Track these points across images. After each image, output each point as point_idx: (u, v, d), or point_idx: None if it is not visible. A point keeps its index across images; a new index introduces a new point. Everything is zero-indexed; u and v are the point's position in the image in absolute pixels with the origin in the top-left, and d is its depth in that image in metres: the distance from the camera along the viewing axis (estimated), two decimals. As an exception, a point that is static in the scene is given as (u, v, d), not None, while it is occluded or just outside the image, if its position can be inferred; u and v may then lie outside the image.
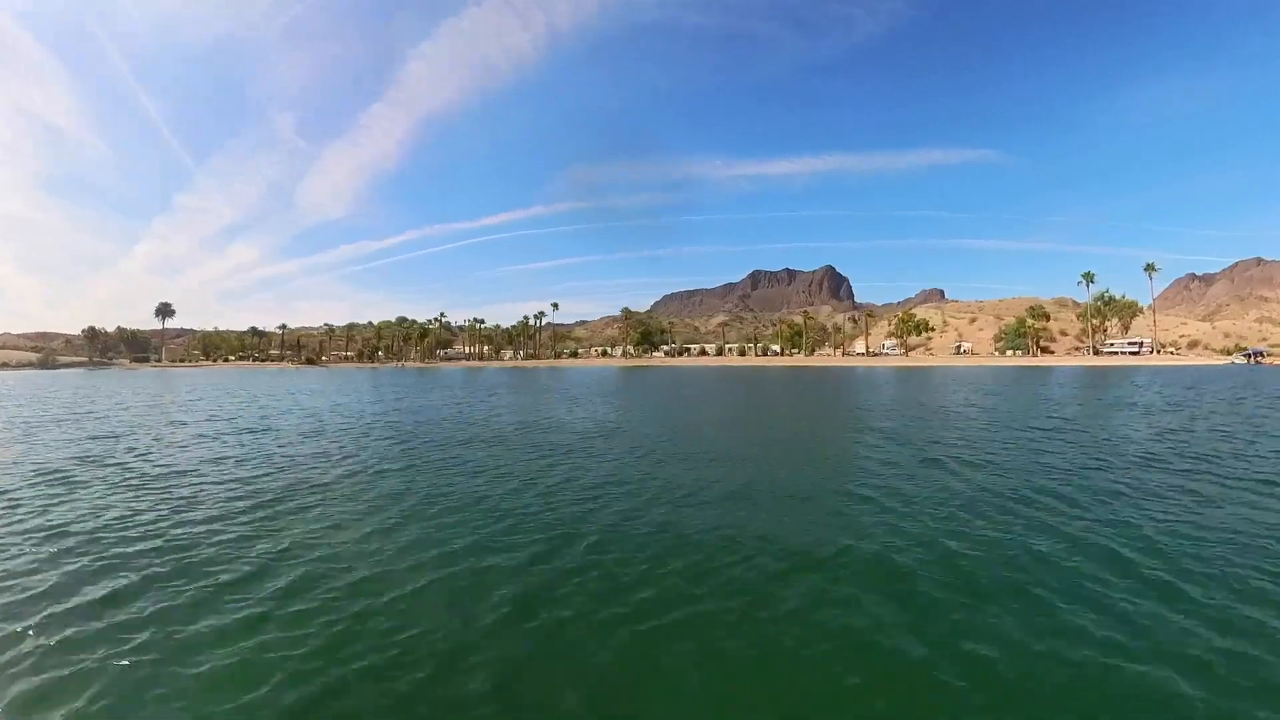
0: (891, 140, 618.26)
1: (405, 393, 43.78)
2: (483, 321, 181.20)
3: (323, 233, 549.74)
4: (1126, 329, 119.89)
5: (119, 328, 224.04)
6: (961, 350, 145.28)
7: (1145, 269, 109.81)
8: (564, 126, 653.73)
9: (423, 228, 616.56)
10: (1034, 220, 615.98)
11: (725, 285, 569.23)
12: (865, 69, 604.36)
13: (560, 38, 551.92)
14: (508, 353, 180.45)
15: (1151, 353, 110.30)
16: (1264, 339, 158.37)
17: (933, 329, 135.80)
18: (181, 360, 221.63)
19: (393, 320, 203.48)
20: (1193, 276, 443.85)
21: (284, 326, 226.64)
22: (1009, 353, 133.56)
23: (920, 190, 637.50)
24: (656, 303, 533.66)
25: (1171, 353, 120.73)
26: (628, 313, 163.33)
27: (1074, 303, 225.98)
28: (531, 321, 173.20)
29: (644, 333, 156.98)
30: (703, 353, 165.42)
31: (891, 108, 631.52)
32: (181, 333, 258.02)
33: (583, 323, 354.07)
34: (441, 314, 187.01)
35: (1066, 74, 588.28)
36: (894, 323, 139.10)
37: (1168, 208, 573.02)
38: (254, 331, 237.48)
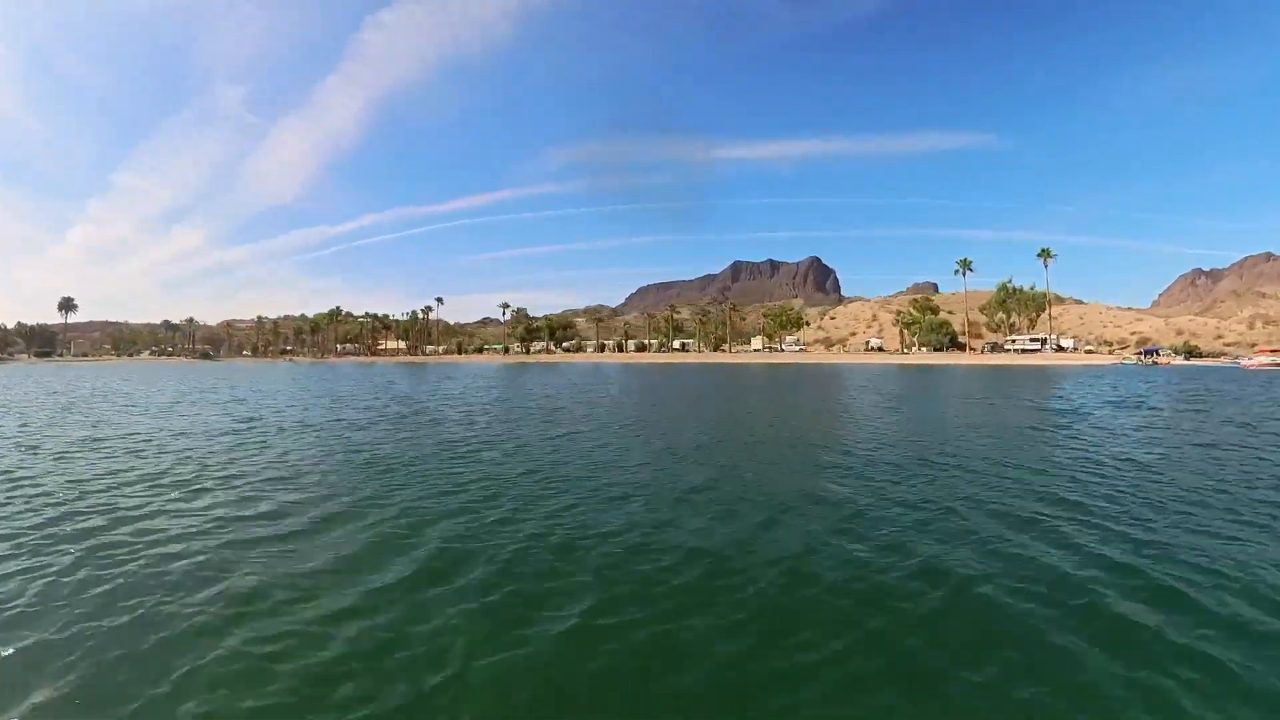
0: (885, 123, 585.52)
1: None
2: (377, 315, 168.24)
3: (274, 217, 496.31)
4: (1032, 324, 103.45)
5: (19, 323, 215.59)
6: (871, 346, 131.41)
7: (1040, 255, 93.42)
8: (535, 105, 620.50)
9: (382, 211, 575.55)
10: (1034, 211, 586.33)
11: (704, 277, 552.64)
12: (859, 46, 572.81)
13: (531, 6, 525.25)
14: (393, 344, 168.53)
15: (1054, 350, 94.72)
16: (1219, 336, 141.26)
17: (806, 323, 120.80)
18: (84, 355, 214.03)
19: (324, 312, 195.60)
20: (1199, 272, 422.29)
21: (190, 320, 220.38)
22: (919, 349, 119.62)
23: (915, 177, 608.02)
24: (631, 295, 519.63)
25: (1089, 350, 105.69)
26: (516, 311, 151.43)
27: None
28: (421, 315, 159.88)
29: (528, 329, 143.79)
30: (601, 349, 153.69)
31: (886, 88, 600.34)
32: (93, 326, 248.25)
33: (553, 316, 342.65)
34: (338, 308, 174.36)
35: (1074, 55, 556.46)
36: (762, 318, 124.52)
37: (1176, 200, 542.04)
38: (166, 325, 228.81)
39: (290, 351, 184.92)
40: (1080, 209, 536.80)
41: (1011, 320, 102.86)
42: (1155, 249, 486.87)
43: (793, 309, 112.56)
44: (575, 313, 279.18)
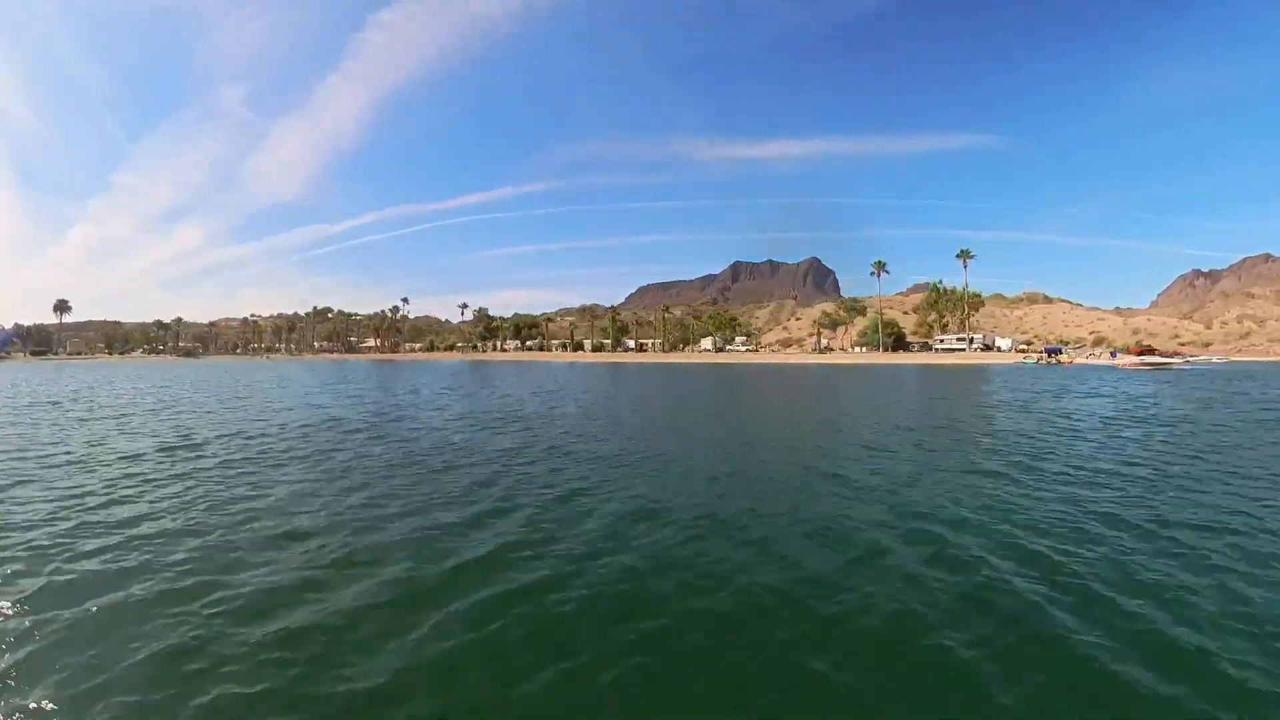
0: (885, 123, 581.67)
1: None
2: (353, 314, 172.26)
3: (275, 216, 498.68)
4: (962, 324, 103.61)
5: (15, 324, 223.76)
6: (820, 347, 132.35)
7: (959, 255, 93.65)
8: (536, 103, 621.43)
9: (383, 210, 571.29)
10: (1037, 211, 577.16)
11: (705, 277, 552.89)
12: (859, 46, 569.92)
13: (533, 6, 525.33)
14: (373, 341, 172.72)
15: (981, 349, 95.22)
16: (1175, 336, 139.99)
17: (738, 324, 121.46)
18: (78, 354, 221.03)
19: (311, 311, 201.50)
20: (1197, 273, 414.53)
21: (179, 319, 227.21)
22: (860, 349, 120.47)
23: (915, 177, 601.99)
24: (631, 295, 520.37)
25: (1022, 349, 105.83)
26: (476, 311, 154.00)
27: (1003, 297, 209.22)
28: (389, 314, 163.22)
29: (487, 328, 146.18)
30: (563, 348, 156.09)
31: (887, 88, 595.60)
32: (90, 326, 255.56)
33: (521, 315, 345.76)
34: (315, 307, 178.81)
35: (1076, 56, 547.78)
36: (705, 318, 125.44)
37: (1176, 201, 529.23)
38: (158, 324, 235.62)
39: (268, 349, 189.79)
40: (1081, 210, 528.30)
41: (945, 321, 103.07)
42: (1156, 250, 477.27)
43: (784, 308, 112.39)
44: (569, 311, 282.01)
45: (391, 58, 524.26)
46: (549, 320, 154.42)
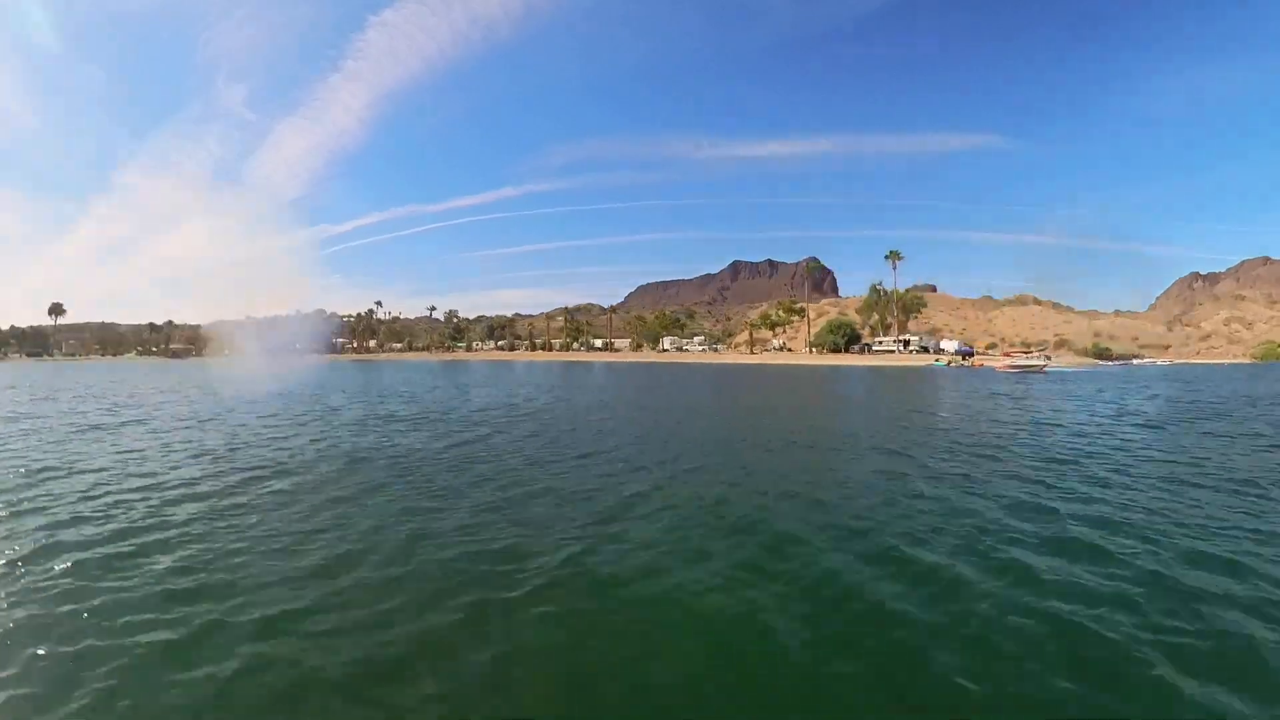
0: (885, 123, 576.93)
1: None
2: (330, 315, 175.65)
3: (276, 215, 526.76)
4: (903, 326, 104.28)
5: (12, 325, 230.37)
6: (779, 348, 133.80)
7: (887, 257, 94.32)
8: (537, 103, 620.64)
9: (385, 209, 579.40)
10: (1037, 212, 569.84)
11: (704, 276, 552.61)
12: (859, 46, 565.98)
13: (534, 5, 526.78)
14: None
15: (917, 351, 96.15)
16: (1135, 339, 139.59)
17: (683, 325, 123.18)
18: (73, 355, 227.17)
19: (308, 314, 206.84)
20: (1196, 275, 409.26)
21: (169, 321, 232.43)
22: (811, 350, 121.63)
23: (915, 177, 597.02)
24: (631, 294, 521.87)
25: (940, 352, 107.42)
26: (447, 313, 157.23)
27: (992, 299, 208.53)
28: (364, 315, 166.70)
29: (456, 328, 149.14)
30: (531, 347, 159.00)
31: (887, 88, 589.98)
32: (87, 328, 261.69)
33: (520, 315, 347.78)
34: (313, 308, 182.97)
35: (1077, 57, 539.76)
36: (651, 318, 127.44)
37: (1177, 203, 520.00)
38: (150, 327, 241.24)
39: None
40: (1082, 211, 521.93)
41: (888, 322, 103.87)
42: (1156, 252, 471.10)
43: (663, 315, 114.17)
44: (564, 310, 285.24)
45: (393, 57, 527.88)
46: (517, 321, 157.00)
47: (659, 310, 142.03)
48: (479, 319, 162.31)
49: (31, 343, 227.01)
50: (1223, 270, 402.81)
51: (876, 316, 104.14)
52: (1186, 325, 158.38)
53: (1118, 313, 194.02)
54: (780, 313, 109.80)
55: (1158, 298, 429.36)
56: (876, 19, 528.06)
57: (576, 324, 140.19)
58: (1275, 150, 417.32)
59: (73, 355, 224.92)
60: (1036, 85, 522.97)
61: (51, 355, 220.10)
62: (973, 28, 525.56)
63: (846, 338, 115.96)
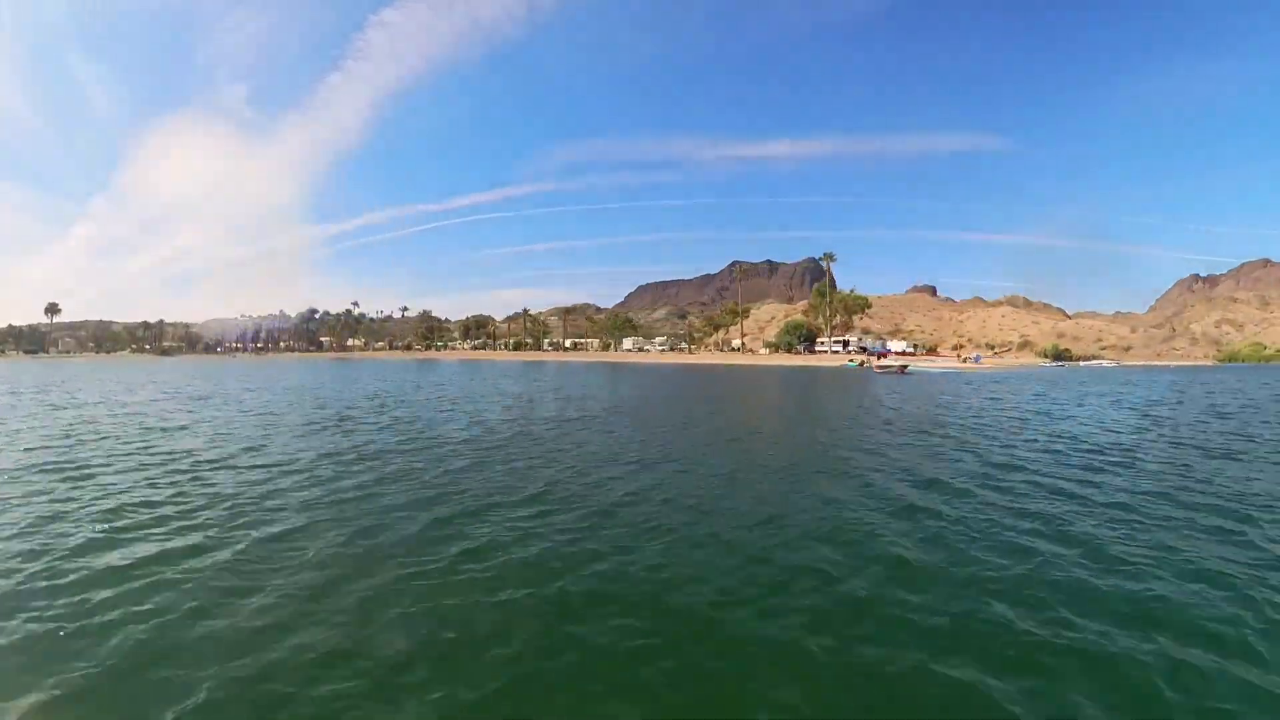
0: (885, 123, 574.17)
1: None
2: (318, 313, 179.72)
3: (277, 215, 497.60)
4: (847, 327, 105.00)
5: (9, 325, 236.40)
6: (735, 347, 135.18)
7: (822, 258, 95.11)
8: (538, 102, 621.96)
9: (385, 209, 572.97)
10: (1037, 213, 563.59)
11: (703, 277, 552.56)
12: (859, 46, 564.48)
13: (534, 5, 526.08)
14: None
15: (857, 351, 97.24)
16: (1099, 340, 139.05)
17: (636, 327, 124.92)
18: (66, 353, 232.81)
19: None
20: (1196, 277, 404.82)
21: (161, 320, 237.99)
22: (766, 350, 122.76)
23: (915, 177, 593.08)
24: (630, 293, 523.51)
25: (857, 352, 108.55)
26: (420, 313, 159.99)
27: (981, 301, 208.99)
28: (342, 315, 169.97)
29: (429, 328, 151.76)
30: (505, 347, 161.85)
31: (887, 88, 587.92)
32: (83, 326, 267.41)
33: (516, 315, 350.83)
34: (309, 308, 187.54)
35: (1077, 58, 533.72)
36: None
37: (1177, 204, 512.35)
38: (144, 325, 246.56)
39: (237, 348, 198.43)
40: (1083, 211, 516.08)
41: (835, 322, 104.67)
42: (1157, 254, 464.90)
43: (617, 317, 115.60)
44: (561, 309, 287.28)
45: (394, 57, 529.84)
46: (490, 322, 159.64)
47: (613, 312, 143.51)
48: (462, 320, 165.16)
49: (28, 341, 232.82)
50: (1223, 272, 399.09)
51: (820, 317, 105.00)
52: (1176, 327, 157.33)
53: (1117, 314, 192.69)
54: (725, 315, 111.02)
55: (1157, 299, 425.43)
56: (874, 21, 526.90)
57: (538, 326, 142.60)
58: (1276, 151, 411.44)
59: (67, 353, 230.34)
60: (1035, 85, 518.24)
61: (48, 353, 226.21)
62: (970, 28, 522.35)
63: (803, 338, 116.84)
